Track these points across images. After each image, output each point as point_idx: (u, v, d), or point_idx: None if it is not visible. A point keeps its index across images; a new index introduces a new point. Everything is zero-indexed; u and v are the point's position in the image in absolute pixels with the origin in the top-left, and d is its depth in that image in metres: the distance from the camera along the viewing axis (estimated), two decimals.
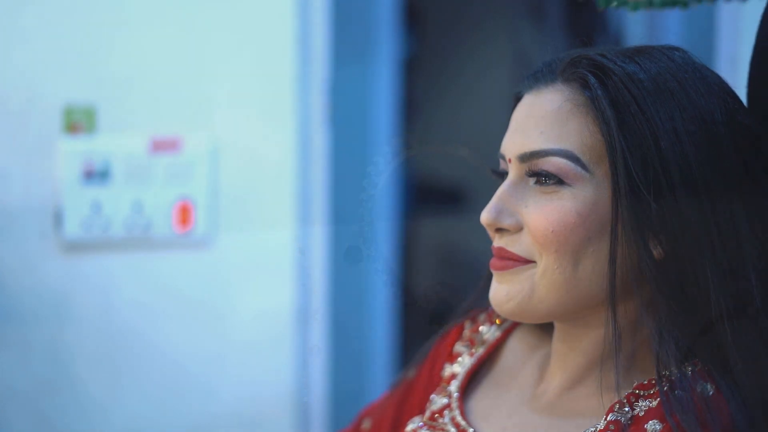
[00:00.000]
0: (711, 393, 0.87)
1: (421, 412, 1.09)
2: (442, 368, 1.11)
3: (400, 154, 2.94)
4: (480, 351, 1.09)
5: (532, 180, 0.93)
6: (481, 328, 1.12)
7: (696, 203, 0.88)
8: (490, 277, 0.98)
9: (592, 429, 0.90)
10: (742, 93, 1.00)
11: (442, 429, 1.02)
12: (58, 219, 1.70)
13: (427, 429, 1.03)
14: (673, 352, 0.88)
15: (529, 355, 1.06)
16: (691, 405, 0.85)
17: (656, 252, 0.89)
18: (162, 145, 1.74)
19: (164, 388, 1.79)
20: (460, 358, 1.10)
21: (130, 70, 1.72)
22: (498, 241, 0.95)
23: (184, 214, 1.77)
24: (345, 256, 2.38)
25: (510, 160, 0.95)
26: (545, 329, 1.06)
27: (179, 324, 1.79)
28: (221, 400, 1.82)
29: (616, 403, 0.90)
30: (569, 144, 0.91)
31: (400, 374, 1.22)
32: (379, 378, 2.70)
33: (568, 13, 3.55)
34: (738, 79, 1.02)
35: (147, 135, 1.74)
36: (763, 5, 1.02)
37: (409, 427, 1.06)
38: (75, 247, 1.72)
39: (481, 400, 1.05)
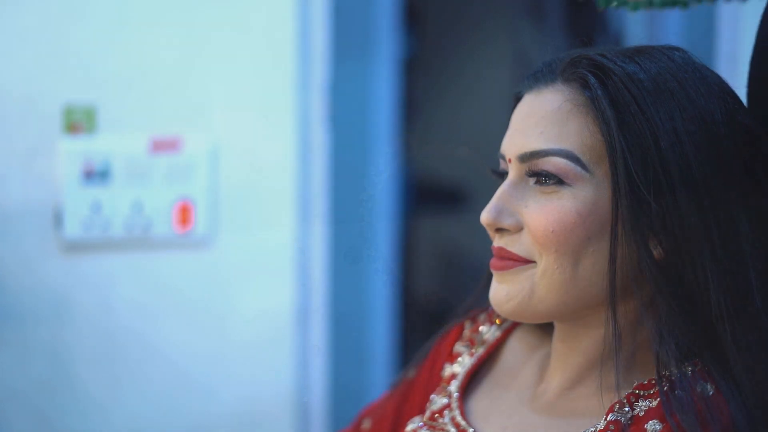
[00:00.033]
0: (711, 393, 0.87)
1: (421, 412, 1.09)
2: (442, 368, 1.11)
3: (400, 154, 2.94)
4: (480, 351, 1.09)
5: (532, 180, 0.93)
6: (481, 328, 1.12)
7: (696, 203, 0.88)
8: (490, 277, 0.98)
9: (592, 429, 0.90)
10: (742, 93, 1.00)
11: (442, 429, 1.02)
12: (58, 219, 1.70)
13: (427, 429, 1.03)
14: (673, 352, 0.88)
15: (529, 355, 1.06)
16: (691, 405, 0.85)
17: (656, 252, 0.89)
18: (162, 145, 1.74)
19: (164, 388, 1.79)
20: (460, 358, 1.10)
21: (130, 70, 1.72)
22: (498, 241, 0.95)
23: (184, 214, 1.77)
24: (345, 256, 2.38)
25: (510, 160, 0.95)
26: (545, 329, 1.06)
27: (179, 324, 1.79)
28: (221, 400, 1.82)
29: (616, 403, 0.90)
30: (569, 144, 0.91)
31: (400, 374, 1.22)
32: (379, 378, 2.70)
33: (568, 13, 3.55)
34: (738, 79, 1.02)
35: (147, 135, 1.74)
36: (763, 5, 1.02)
37: (409, 427, 1.06)
38: (75, 247, 1.72)
39: (481, 400, 1.05)
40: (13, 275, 1.69)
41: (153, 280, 1.78)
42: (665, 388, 0.87)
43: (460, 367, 1.09)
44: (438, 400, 1.07)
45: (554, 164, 0.91)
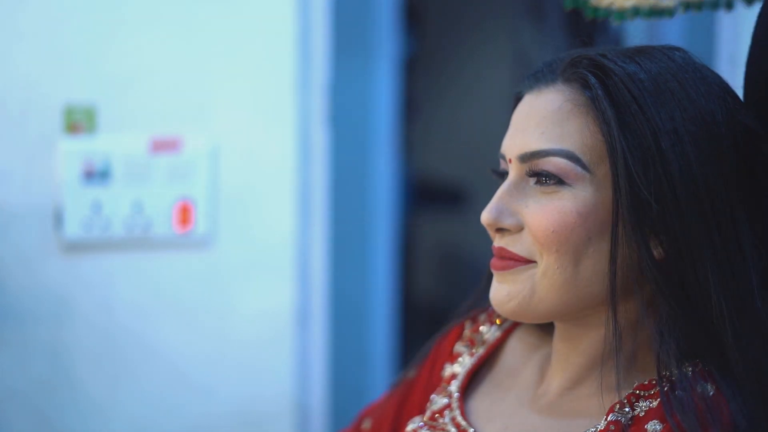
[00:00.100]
0: (711, 393, 0.87)
1: (422, 412, 1.09)
2: (442, 368, 1.11)
3: (400, 154, 2.94)
4: (480, 351, 1.09)
5: (532, 180, 0.93)
6: (481, 328, 1.12)
7: (696, 203, 0.88)
8: (490, 277, 0.98)
9: (593, 429, 0.90)
10: (741, 93, 1.00)
11: (443, 429, 1.02)
12: (58, 219, 1.70)
13: (428, 429, 1.03)
14: (674, 352, 0.88)
15: (530, 356, 1.06)
16: (691, 405, 0.85)
17: (657, 252, 0.89)
18: (162, 145, 1.74)
19: (164, 388, 1.79)
20: (460, 358, 1.10)
21: (130, 70, 1.72)
22: (498, 241, 0.95)
23: (184, 214, 1.77)
24: (345, 256, 2.38)
25: (510, 160, 0.95)
26: (545, 329, 1.06)
27: (179, 324, 1.79)
28: (221, 400, 1.82)
29: (616, 403, 0.90)
30: (570, 144, 0.91)
31: (400, 374, 1.22)
32: (379, 378, 2.70)
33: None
34: (738, 79, 1.02)
35: (147, 135, 1.74)
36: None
37: (410, 427, 1.06)
38: (75, 247, 1.72)
39: (482, 400, 1.05)
40: (13, 275, 1.69)
41: (153, 280, 1.78)
42: (666, 389, 0.87)
43: (460, 367, 1.09)
44: (438, 400, 1.07)
45: (555, 164, 0.91)
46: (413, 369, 1.18)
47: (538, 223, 0.91)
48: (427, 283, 4.37)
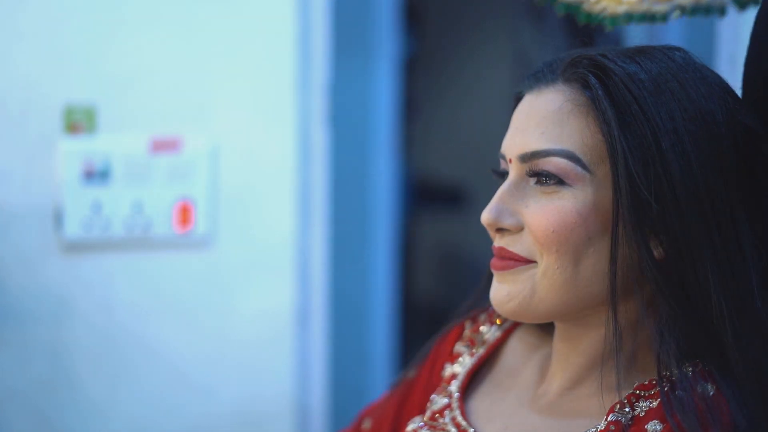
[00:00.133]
0: (712, 393, 0.87)
1: (422, 412, 1.09)
2: (442, 368, 1.11)
3: (400, 154, 2.94)
4: (480, 351, 1.09)
5: (532, 180, 0.93)
6: (481, 328, 1.12)
7: (697, 203, 0.88)
8: (490, 277, 0.98)
9: (593, 429, 0.90)
10: (740, 93, 1.00)
11: (443, 429, 1.02)
12: (58, 219, 1.70)
13: (428, 429, 1.03)
14: (674, 352, 0.88)
15: (530, 356, 1.06)
16: (691, 405, 0.85)
17: (657, 252, 0.89)
18: (162, 145, 1.74)
19: (164, 388, 1.79)
20: (460, 358, 1.10)
21: (130, 70, 1.72)
22: (499, 241, 0.95)
23: (184, 214, 1.77)
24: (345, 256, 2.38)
25: (510, 160, 0.95)
26: (546, 329, 1.06)
27: (179, 324, 1.79)
28: (221, 400, 1.82)
29: (616, 403, 0.90)
30: (570, 144, 0.91)
31: (400, 374, 1.22)
32: (379, 378, 2.70)
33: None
34: (738, 79, 1.02)
35: (147, 135, 1.74)
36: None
37: (410, 427, 1.06)
38: (75, 247, 1.72)
39: (482, 400, 1.05)
40: (13, 275, 1.69)
41: (153, 280, 1.78)
42: (666, 389, 0.87)
43: (460, 367, 1.09)
44: (438, 400, 1.07)
45: (555, 164, 0.91)
46: (413, 369, 1.18)
47: (538, 223, 0.91)
48: (427, 283, 4.37)
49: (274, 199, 1.83)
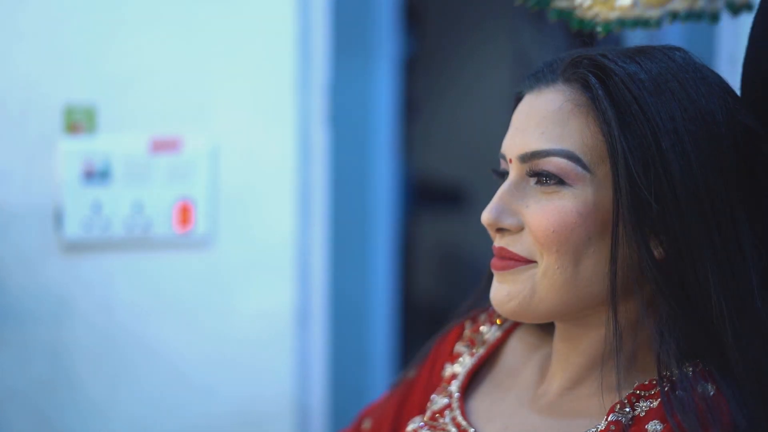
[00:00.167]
0: (712, 393, 0.87)
1: (422, 412, 1.09)
2: (442, 368, 1.11)
3: (400, 154, 2.94)
4: (480, 351, 1.09)
5: (532, 180, 0.93)
6: (481, 328, 1.12)
7: (697, 203, 0.88)
8: (490, 276, 0.98)
9: (593, 429, 0.90)
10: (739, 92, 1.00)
11: (443, 429, 1.02)
12: (58, 219, 1.70)
13: (428, 429, 1.03)
14: (674, 352, 0.88)
15: (530, 356, 1.06)
16: (692, 405, 0.85)
17: (657, 252, 0.89)
18: (162, 145, 1.74)
19: (164, 388, 1.79)
20: (460, 358, 1.10)
21: (130, 70, 1.72)
22: (499, 241, 0.95)
23: (184, 214, 1.77)
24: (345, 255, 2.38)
25: (511, 160, 0.95)
26: (546, 329, 1.06)
27: (179, 324, 1.79)
28: (221, 400, 1.82)
29: (616, 403, 0.90)
30: (570, 144, 0.91)
31: (400, 374, 1.22)
32: (379, 378, 2.70)
33: None
34: (738, 79, 1.02)
35: (147, 135, 1.74)
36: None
37: (410, 427, 1.06)
38: (75, 247, 1.72)
39: (482, 400, 1.05)
40: (13, 275, 1.69)
41: (153, 280, 1.78)
42: (666, 389, 0.87)
43: (460, 367, 1.09)
44: (439, 400, 1.07)
45: (555, 164, 0.91)
46: (413, 369, 1.18)
47: (539, 223, 0.91)
48: (427, 283, 4.37)
49: (274, 199, 1.83)
